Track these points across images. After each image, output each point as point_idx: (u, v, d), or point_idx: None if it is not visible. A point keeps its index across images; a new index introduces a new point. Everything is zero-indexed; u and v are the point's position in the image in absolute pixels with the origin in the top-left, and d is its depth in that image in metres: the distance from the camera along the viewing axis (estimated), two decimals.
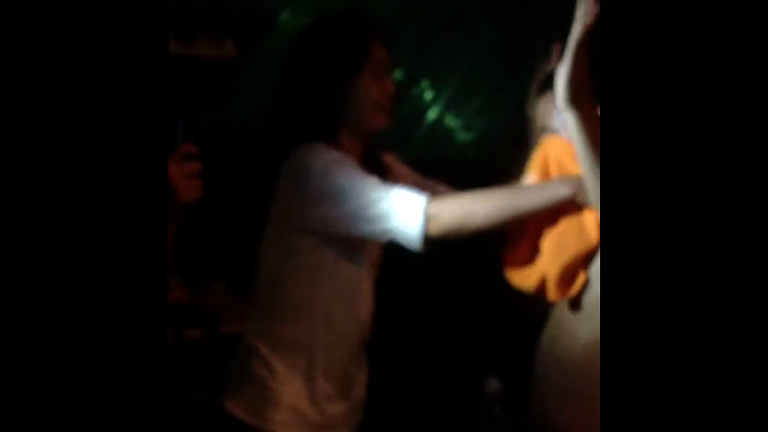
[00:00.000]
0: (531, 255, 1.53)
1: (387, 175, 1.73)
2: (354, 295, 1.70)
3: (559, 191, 1.45)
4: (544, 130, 1.58)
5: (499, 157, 1.77)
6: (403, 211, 1.49)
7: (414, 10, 3.32)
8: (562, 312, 1.52)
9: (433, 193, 1.62)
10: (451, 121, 3.31)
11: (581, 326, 1.46)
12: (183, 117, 1.31)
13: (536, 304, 1.52)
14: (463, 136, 3.29)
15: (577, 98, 1.29)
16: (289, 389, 1.66)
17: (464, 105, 3.28)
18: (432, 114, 3.31)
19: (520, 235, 1.56)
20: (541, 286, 1.51)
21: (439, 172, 1.93)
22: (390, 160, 1.84)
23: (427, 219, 1.48)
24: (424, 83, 3.31)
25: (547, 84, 1.55)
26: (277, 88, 1.70)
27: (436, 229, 1.48)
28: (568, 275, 1.45)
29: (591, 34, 1.26)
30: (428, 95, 3.31)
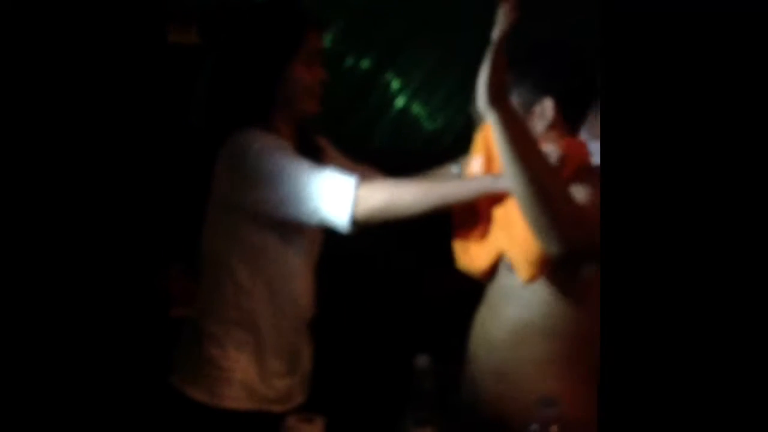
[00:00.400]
0: (481, 236, 1.57)
1: (321, 158, 1.78)
2: (294, 277, 1.75)
3: (484, 184, 1.50)
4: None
5: (465, 146, 1.80)
6: (332, 194, 1.55)
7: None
8: (491, 294, 1.55)
9: (365, 178, 1.70)
10: (418, 110, 3.33)
11: (509, 308, 1.50)
12: None
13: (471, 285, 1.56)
14: (430, 125, 3.31)
15: (496, 100, 1.33)
16: (240, 366, 1.72)
17: (432, 94, 3.31)
18: (399, 102, 3.33)
19: (469, 219, 1.59)
20: (492, 267, 1.54)
21: (404, 161, 1.97)
22: (324, 143, 1.89)
23: (355, 202, 1.51)
24: (392, 72, 3.33)
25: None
26: (211, 73, 1.73)
27: (362, 212, 1.54)
28: (531, 252, 1.48)
29: (507, 38, 1.30)
30: (396, 84, 3.33)
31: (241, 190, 1.64)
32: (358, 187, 1.56)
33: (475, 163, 1.65)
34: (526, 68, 1.53)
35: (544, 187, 1.34)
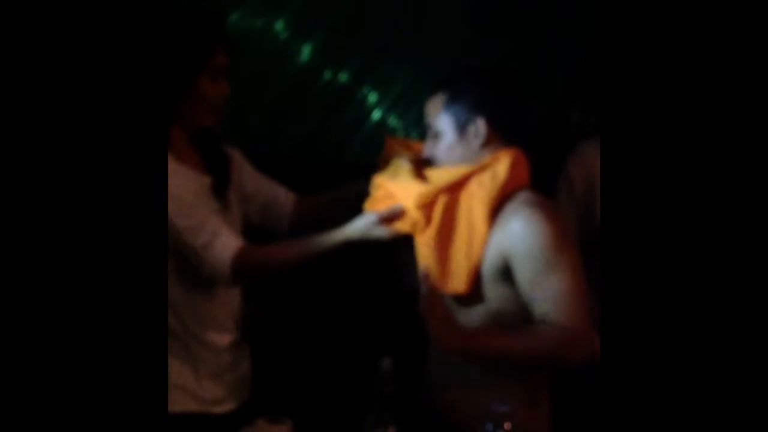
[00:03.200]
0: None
1: (228, 170, 1.84)
2: (211, 293, 1.77)
3: (348, 234, 1.62)
4: (430, 128, 1.67)
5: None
6: (215, 253, 1.65)
7: (362, 13, 3.41)
8: (452, 298, 1.61)
9: (273, 193, 1.89)
10: (395, 123, 3.40)
11: (471, 312, 1.56)
12: None
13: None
14: (406, 138, 3.38)
15: (455, 345, 1.42)
16: (174, 371, 1.74)
17: (409, 107, 3.38)
18: (376, 115, 3.40)
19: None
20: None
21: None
22: (237, 156, 1.92)
23: (234, 264, 1.64)
24: (369, 86, 3.40)
25: (439, 84, 1.65)
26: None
27: (238, 274, 1.66)
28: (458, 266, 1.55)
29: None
30: (372, 97, 3.40)
31: None
32: (237, 253, 1.64)
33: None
34: (459, 91, 1.59)
35: (534, 364, 1.49)
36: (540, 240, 1.46)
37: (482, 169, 1.58)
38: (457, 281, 1.53)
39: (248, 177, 1.93)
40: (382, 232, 1.59)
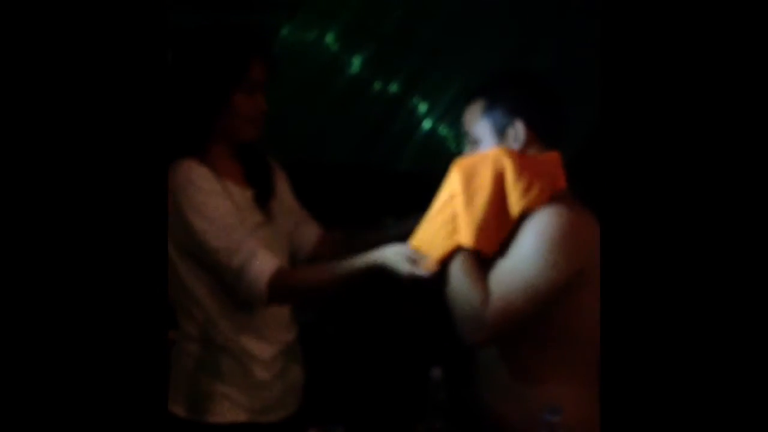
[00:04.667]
0: None
1: (271, 182, 1.85)
2: (253, 305, 1.78)
3: (375, 259, 1.62)
4: (468, 135, 1.68)
5: None
6: (251, 276, 1.66)
7: (411, 23, 3.43)
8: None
9: (303, 220, 1.90)
10: (445, 132, 3.41)
11: (526, 329, 1.55)
12: None
13: None
14: (456, 147, 3.38)
15: None
16: (221, 381, 1.75)
17: (458, 116, 3.37)
18: (426, 125, 3.41)
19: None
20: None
21: (431, 184, 2.02)
22: (278, 170, 1.92)
23: (270, 287, 1.66)
24: (419, 96, 3.41)
25: (476, 92, 1.65)
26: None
27: (274, 296, 1.68)
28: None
29: None
30: (422, 107, 3.41)
31: (177, 225, 1.67)
32: (272, 275, 1.65)
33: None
34: (496, 96, 1.60)
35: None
36: (539, 230, 1.47)
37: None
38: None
39: (287, 193, 1.94)
40: (407, 268, 1.57)
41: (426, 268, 1.55)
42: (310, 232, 1.98)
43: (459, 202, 1.54)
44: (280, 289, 1.68)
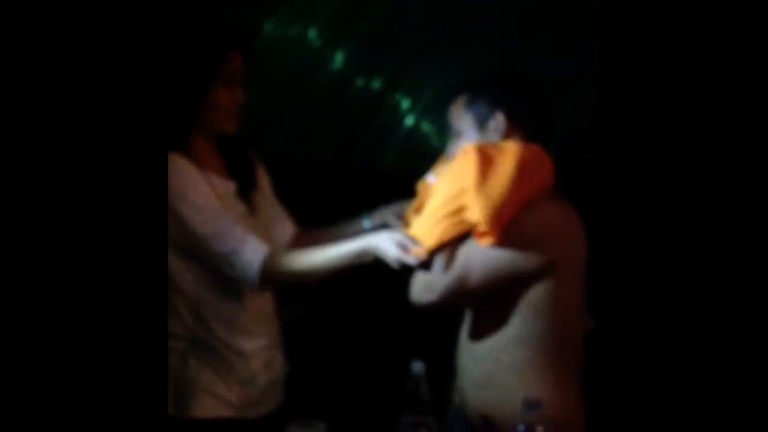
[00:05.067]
0: None
1: (253, 174, 1.84)
2: (238, 299, 1.77)
3: (366, 243, 1.61)
4: (452, 128, 1.70)
5: None
6: (244, 259, 1.64)
7: (393, 21, 3.44)
8: (474, 312, 1.63)
9: (279, 217, 1.87)
10: (428, 128, 3.42)
11: (486, 320, 1.58)
12: None
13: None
14: (439, 143, 3.39)
15: None
16: (205, 377, 1.76)
17: (441, 112, 3.39)
18: (409, 121, 3.42)
19: None
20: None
21: (412, 180, 2.03)
22: (260, 165, 1.91)
23: (263, 270, 1.63)
24: (401, 92, 3.42)
25: (461, 87, 1.68)
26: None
27: (267, 279, 1.65)
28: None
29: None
30: (405, 103, 3.42)
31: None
32: (267, 256, 1.64)
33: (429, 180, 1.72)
34: (480, 89, 1.64)
35: None
36: None
37: None
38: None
39: (267, 188, 1.94)
40: (396, 253, 1.58)
41: (416, 254, 1.56)
42: (285, 230, 1.98)
43: (473, 185, 1.55)
44: (272, 272, 1.67)
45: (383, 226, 1.76)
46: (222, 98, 1.73)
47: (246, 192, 1.81)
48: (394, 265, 1.57)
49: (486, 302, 1.60)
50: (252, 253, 1.66)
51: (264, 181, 1.92)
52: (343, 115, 3.40)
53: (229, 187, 1.78)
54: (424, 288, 1.56)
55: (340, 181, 2.75)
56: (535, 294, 1.55)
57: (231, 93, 1.74)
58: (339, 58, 3.43)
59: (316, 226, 2.01)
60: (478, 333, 1.61)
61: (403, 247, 1.56)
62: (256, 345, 1.82)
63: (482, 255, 1.53)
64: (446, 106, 1.75)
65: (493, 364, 1.59)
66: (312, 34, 3.54)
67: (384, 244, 1.59)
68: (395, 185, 2.00)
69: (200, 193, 1.68)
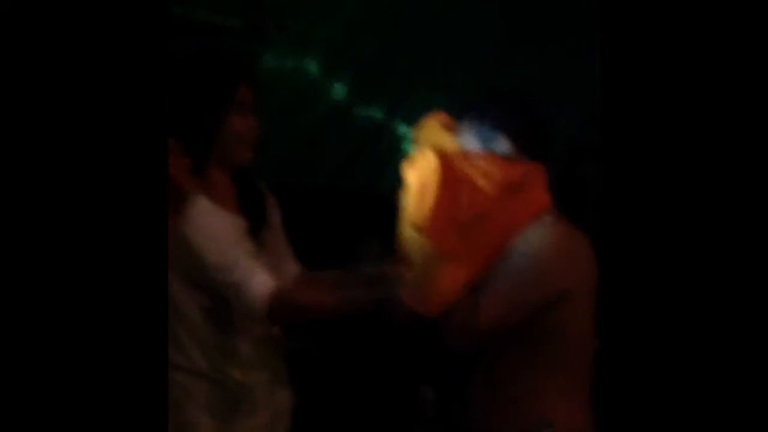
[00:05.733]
0: None
1: (264, 212, 1.86)
2: (240, 332, 1.78)
3: (371, 296, 1.64)
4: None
5: None
6: (252, 291, 1.65)
7: (393, 49, 3.47)
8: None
9: (285, 254, 1.88)
10: None
11: (504, 351, 1.57)
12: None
13: None
14: None
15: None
16: (205, 409, 1.75)
17: None
18: (408, 148, 3.42)
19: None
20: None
21: None
22: (272, 201, 1.93)
23: (271, 303, 1.65)
24: (400, 119, 3.44)
25: (463, 110, 1.70)
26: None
27: (275, 314, 1.67)
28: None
29: None
30: (404, 130, 3.43)
31: (176, 247, 1.65)
32: (273, 294, 1.65)
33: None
34: (483, 112, 1.67)
35: None
36: (530, 248, 1.52)
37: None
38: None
39: (278, 226, 1.94)
40: (410, 309, 1.57)
41: (430, 310, 1.55)
42: (289, 269, 1.97)
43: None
44: (280, 307, 1.67)
45: (381, 276, 1.74)
46: (237, 126, 1.75)
47: (256, 230, 1.81)
48: (403, 318, 1.57)
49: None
50: (261, 285, 1.65)
51: (275, 217, 1.93)
52: (342, 142, 3.41)
53: (240, 223, 1.78)
54: (461, 332, 1.55)
55: (338, 206, 2.75)
56: (550, 320, 1.55)
57: (245, 121, 1.76)
58: (338, 88, 3.45)
59: (317, 250, 2.01)
60: (489, 358, 1.61)
61: (418, 302, 1.56)
62: (259, 378, 1.81)
63: (506, 288, 1.54)
64: None
65: (503, 390, 1.58)
66: (311, 64, 3.57)
67: (398, 297, 1.58)
68: (396, 209, 2.00)
69: (213, 223, 1.70)
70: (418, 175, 1.62)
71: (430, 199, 1.56)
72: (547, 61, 3.10)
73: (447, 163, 1.59)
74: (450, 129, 1.76)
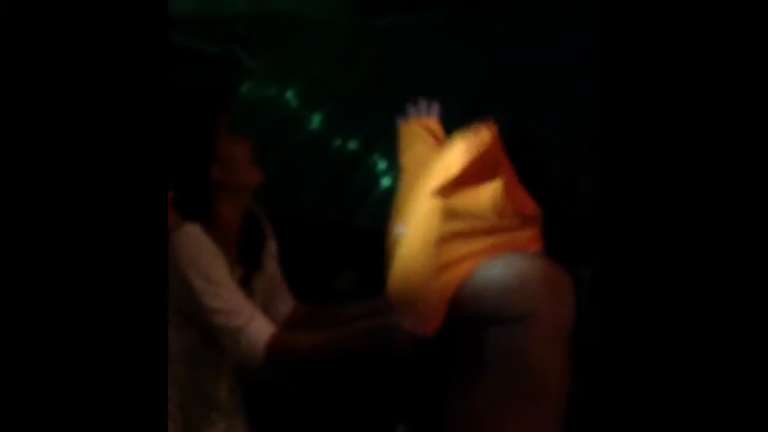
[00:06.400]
0: None
1: (261, 265, 1.86)
2: (215, 374, 1.79)
3: (361, 342, 1.63)
4: None
5: None
6: (250, 338, 1.65)
7: (373, 83, 3.48)
8: (462, 366, 1.59)
9: (280, 291, 1.91)
10: None
11: (482, 380, 1.54)
12: None
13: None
14: None
15: None
16: None
17: None
18: (385, 182, 3.41)
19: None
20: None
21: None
22: (270, 242, 1.93)
23: (268, 349, 1.64)
24: (378, 153, 3.43)
25: None
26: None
27: (271, 359, 1.65)
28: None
29: None
30: (382, 164, 3.42)
31: (175, 288, 1.66)
32: (271, 341, 1.64)
33: (398, 231, 1.71)
34: None
35: None
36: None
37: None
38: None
39: (273, 263, 1.93)
40: (398, 337, 1.55)
41: (426, 331, 1.53)
42: (284, 304, 1.96)
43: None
44: (277, 353, 1.66)
45: (373, 312, 1.74)
46: (235, 151, 1.75)
47: (249, 278, 1.81)
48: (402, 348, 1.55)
49: (465, 352, 1.56)
50: (258, 332, 1.65)
51: (271, 257, 1.91)
52: (320, 175, 3.39)
53: (234, 273, 1.76)
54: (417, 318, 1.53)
55: (314, 237, 2.73)
56: (509, 345, 1.51)
57: (237, 143, 1.76)
58: (316, 119, 3.45)
59: (292, 281, 1.98)
60: (458, 394, 1.58)
61: (414, 329, 1.54)
62: (223, 415, 1.81)
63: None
64: None
65: (477, 425, 1.55)
66: (289, 94, 3.56)
67: (393, 329, 1.56)
68: (373, 242, 1.98)
69: (214, 266, 1.68)
70: (466, 147, 1.55)
71: (459, 167, 1.51)
72: (532, 101, 3.11)
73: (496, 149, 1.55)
74: (435, 135, 1.75)
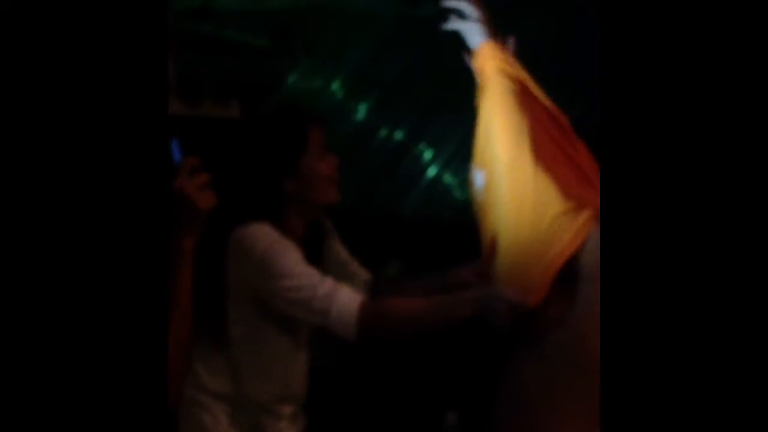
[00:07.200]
0: None
1: (322, 247, 1.88)
2: (286, 358, 1.79)
3: (464, 310, 1.59)
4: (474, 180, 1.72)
5: None
6: (341, 304, 1.63)
7: (418, 72, 3.48)
8: (517, 354, 1.59)
9: (352, 270, 1.90)
10: (450, 179, 3.42)
11: (535, 368, 1.54)
12: (175, 138, 1.40)
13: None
14: (461, 194, 3.39)
15: None
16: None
17: (463, 164, 3.39)
18: (431, 172, 3.42)
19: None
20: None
21: (435, 230, 2.01)
22: (329, 227, 1.95)
23: (361, 315, 1.61)
24: (424, 143, 3.43)
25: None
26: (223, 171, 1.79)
27: (365, 326, 1.62)
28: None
29: None
30: (428, 154, 3.43)
31: (251, 280, 1.70)
32: (361, 310, 1.62)
33: (478, 178, 1.73)
34: None
35: None
36: None
37: None
38: None
39: (334, 250, 1.95)
40: (502, 307, 1.54)
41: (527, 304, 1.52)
42: (360, 282, 1.94)
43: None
44: (370, 319, 1.63)
45: (461, 285, 1.72)
46: (322, 170, 1.79)
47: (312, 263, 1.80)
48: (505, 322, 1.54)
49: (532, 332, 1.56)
50: (348, 297, 1.64)
51: (334, 250, 1.93)
52: (365, 165, 3.41)
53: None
54: None
55: (360, 229, 2.75)
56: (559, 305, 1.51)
57: (327, 162, 1.81)
58: (362, 110, 3.46)
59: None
60: (512, 379, 1.58)
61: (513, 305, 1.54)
62: (289, 405, 1.82)
63: None
64: (470, 157, 1.76)
65: (527, 413, 1.55)
66: (335, 86, 3.58)
67: (492, 302, 1.56)
68: (418, 233, 1.99)
69: (288, 252, 1.70)
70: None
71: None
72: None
73: None
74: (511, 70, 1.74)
